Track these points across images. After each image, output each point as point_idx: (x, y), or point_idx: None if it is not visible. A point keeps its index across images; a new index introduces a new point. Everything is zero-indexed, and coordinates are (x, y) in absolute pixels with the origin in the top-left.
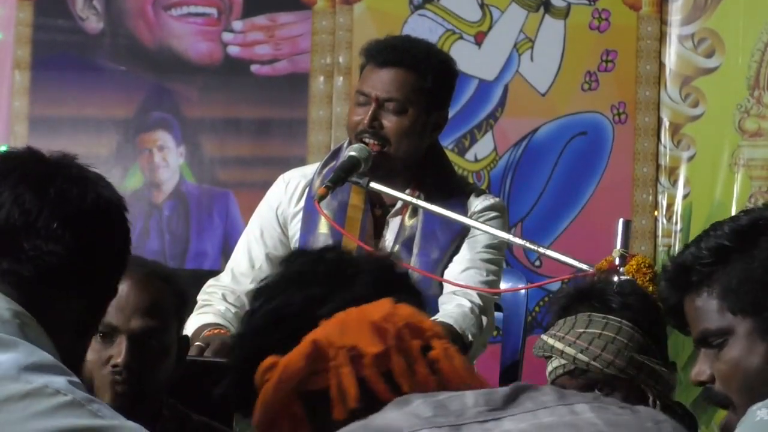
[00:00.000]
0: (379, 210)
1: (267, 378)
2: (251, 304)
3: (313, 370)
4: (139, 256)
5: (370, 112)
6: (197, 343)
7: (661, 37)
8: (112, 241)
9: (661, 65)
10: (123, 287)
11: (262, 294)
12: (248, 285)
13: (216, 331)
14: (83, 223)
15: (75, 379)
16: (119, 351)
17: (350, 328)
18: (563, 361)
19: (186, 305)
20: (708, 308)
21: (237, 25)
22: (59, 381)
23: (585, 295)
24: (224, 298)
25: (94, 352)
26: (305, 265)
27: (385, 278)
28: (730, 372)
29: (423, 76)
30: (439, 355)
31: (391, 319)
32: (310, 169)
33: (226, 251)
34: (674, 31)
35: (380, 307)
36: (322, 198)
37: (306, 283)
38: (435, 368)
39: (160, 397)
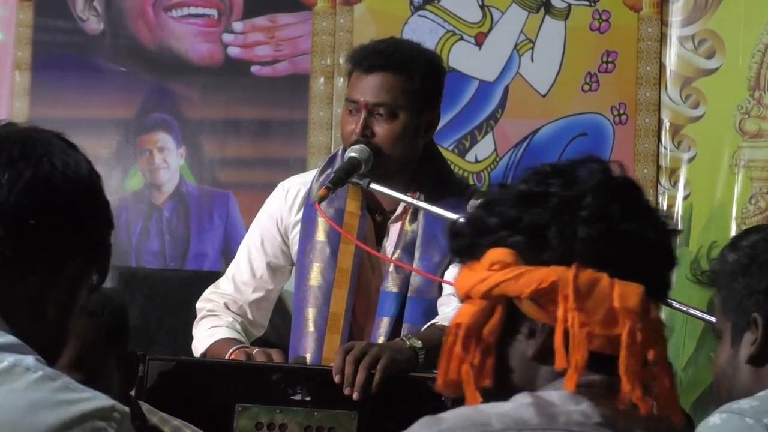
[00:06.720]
0: (379, 216)
1: (494, 268)
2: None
3: (535, 300)
4: None
5: (361, 121)
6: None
7: (662, 38)
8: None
9: (662, 66)
10: None
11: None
12: (250, 294)
13: (242, 351)
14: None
15: (39, 357)
16: None
17: (593, 298)
18: None
19: (124, 326)
20: (717, 305)
21: (237, 26)
22: (28, 359)
23: None
24: (227, 308)
25: None
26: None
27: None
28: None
29: (411, 77)
30: (662, 373)
31: (634, 315)
32: (309, 176)
33: (226, 252)
34: (674, 32)
35: (632, 297)
36: (322, 199)
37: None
38: (650, 384)
39: None
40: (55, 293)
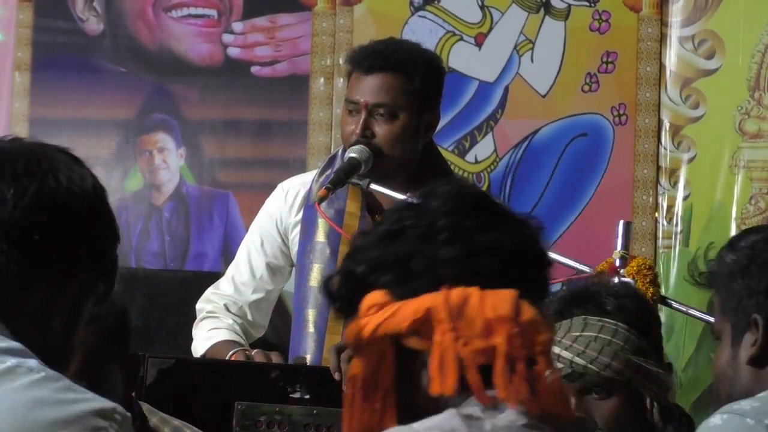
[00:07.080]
0: (379, 217)
1: (370, 312)
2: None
3: (415, 332)
4: None
5: (360, 121)
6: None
7: (662, 39)
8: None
9: (662, 67)
10: None
11: (419, 212)
12: (250, 295)
13: (242, 353)
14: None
15: (40, 361)
16: None
17: (466, 314)
18: (560, 365)
19: (125, 329)
20: (716, 306)
21: (237, 26)
22: (30, 361)
23: (580, 299)
24: (227, 309)
25: None
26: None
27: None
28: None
29: (410, 77)
30: (542, 372)
31: (507, 322)
32: (309, 177)
33: (226, 253)
34: (674, 33)
35: (502, 304)
36: (322, 200)
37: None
38: (534, 384)
39: None
40: (59, 306)
